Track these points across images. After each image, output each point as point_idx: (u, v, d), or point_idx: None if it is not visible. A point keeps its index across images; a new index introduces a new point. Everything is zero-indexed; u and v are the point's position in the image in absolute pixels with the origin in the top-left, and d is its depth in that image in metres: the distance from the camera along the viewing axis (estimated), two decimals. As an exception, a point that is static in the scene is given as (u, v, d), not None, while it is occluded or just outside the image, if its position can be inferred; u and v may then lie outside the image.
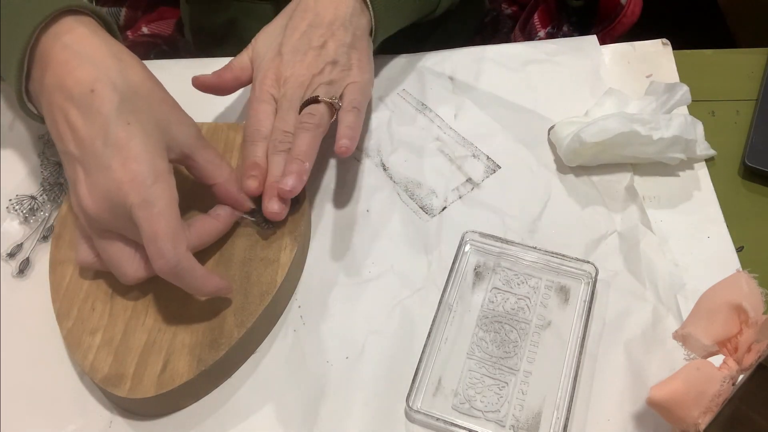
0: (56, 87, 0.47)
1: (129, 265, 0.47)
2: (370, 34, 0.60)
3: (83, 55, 0.48)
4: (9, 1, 0.49)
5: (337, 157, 0.61)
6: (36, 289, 0.54)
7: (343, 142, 0.53)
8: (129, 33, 0.80)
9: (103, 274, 0.51)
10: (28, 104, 0.51)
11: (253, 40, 0.60)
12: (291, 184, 0.51)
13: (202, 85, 0.58)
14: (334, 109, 0.55)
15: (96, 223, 0.47)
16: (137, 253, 0.48)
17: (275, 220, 0.52)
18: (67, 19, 0.49)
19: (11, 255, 0.56)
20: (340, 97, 0.56)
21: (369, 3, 0.58)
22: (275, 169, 0.53)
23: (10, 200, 0.58)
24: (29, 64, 0.49)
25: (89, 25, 0.50)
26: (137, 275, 0.47)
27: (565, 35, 0.76)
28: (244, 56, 0.59)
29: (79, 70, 0.47)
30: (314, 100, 0.55)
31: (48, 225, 0.57)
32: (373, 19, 0.59)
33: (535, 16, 0.76)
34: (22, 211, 0.58)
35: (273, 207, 0.51)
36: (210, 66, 0.62)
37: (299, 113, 0.55)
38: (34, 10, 0.48)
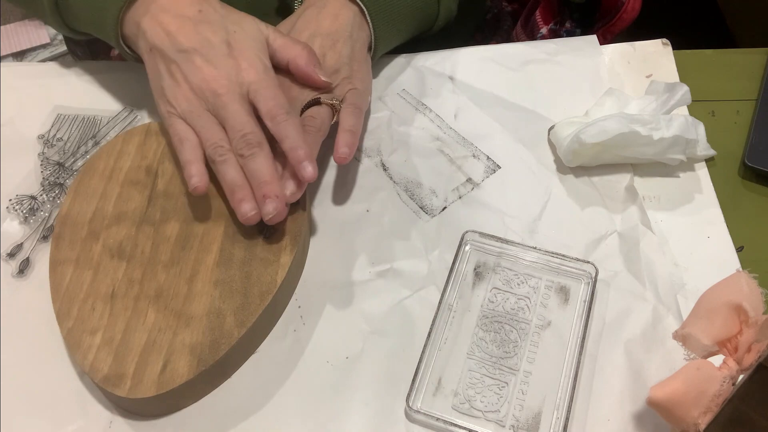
0: (163, 9, 0.54)
1: (244, 121, 0.52)
2: (369, 49, 0.61)
3: None
4: None
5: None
6: (36, 289, 0.54)
7: (343, 150, 0.54)
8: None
9: (103, 273, 0.51)
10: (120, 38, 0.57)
11: None
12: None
13: None
14: (335, 110, 0.56)
15: (208, 100, 0.52)
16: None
17: (275, 222, 0.52)
18: None
19: (11, 255, 0.56)
20: (341, 101, 0.57)
21: (368, 18, 0.60)
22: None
23: (10, 200, 0.58)
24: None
25: None
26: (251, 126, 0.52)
27: (567, 31, 0.76)
28: None
29: (185, 1, 0.55)
30: (316, 102, 0.56)
31: (48, 225, 0.57)
32: (372, 35, 0.60)
33: (537, 13, 0.76)
34: (22, 211, 0.58)
35: (269, 209, 0.50)
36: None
37: (300, 116, 0.55)
38: None
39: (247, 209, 0.50)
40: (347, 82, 0.57)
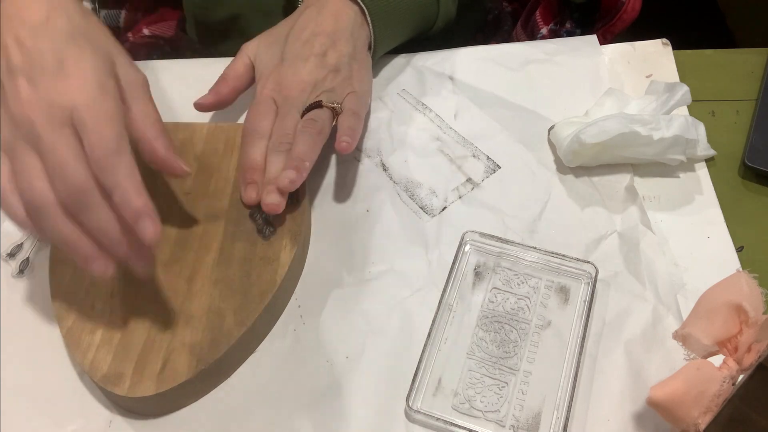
0: (6, 15, 0.45)
1: (40, 178, 0.43)
2: (369, 49, 0.61)
3: None
4: None
5: (337, 155, 0.61)
6: (36, 289, 0.54)
7: (344, 138, 0.54)
8: (130, 35, 0.80)
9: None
10: None
11: (245, 46, 0.61)
12: (291, 176, 0.51)
13: (203, 107, 0.59)
14: (335, 113, 0.56)
15: (24, 131, 0.43)
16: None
17: (273, 213, 0.52)
18: None
19: (11, 255, 0.56)
20: (341, 105, 0.57)
21: (368, 18, 0.59)
22: (273, 168, 0.53)
23: (10, 200, 0.58)
24: None
25: None
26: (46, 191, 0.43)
27: (567, 31, 0.76)
28: (239, 64, 0.60)
29: (36, 4, 0.45)
30: (317, 105, 0.56)
31: (48, 225, 0.57)
32: (372, 35, 0.60)
33: (537, 13, 0.76)
34: (22, 211, 0.58)
35: (272, 199, 0.51)
36: (210, 66, 0.63)
37: (301, 118, 0.55)
38: None
39: (98, 268, 0.43)
40: (347, 84, 0.57)
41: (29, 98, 0.43)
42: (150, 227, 0.42)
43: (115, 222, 0.42)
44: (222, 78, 0.60)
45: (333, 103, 0.56)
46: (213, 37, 0.74)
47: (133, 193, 0.42)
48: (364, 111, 0.59)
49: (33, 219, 0.43)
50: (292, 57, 0.57)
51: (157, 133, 0.47)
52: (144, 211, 0.42)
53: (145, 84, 0.48)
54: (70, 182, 0.41)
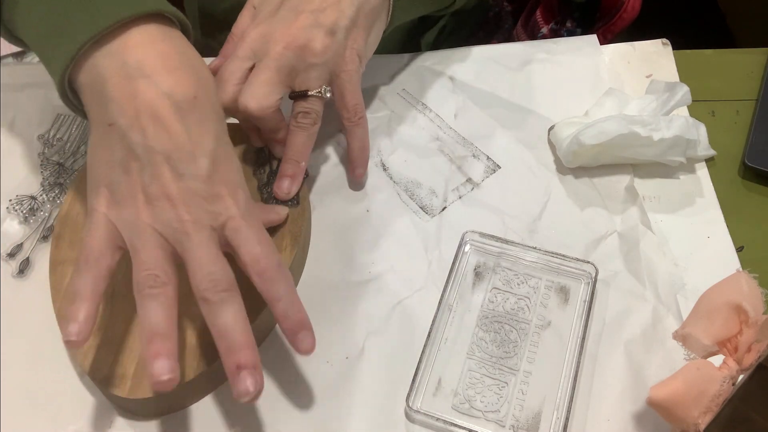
0: (142, 73, 0.43)
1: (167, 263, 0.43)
2: (387, 16, 0.56)
3: (184, 55, 0.45)
4: None
5: (337, 156, 0.61)
6: (36, 289, 0.54)
7: (359, 170, 0.56)
8: None
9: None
10: (67, 89, 0.46)
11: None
12: (286, 187, 0.52)
13: (212, 70, 0.55)
14: (323, 99, 0.53)
15: (155, 222, 0.43)
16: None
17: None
18: (152, 25, 0.45)
19: (11, 255, 0.56)
20: (330, 86, 0.53)
21: None
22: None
23: (10, 200, 0.58)
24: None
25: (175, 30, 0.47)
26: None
27: (568, 31, 0.76)
28: (245, 17, 0.56)
29: (182, 72, 0.44)
30: (303, 96, 0.52)
31: (48, 225, 0.57)
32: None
33: (538, 12, 0.76)
34: (22, 211, 0.58)
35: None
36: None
37: (293, 111, 0.53)
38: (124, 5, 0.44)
39: (162, 368, 0.40)
40: (340, 59, 0.52)
41: (179, 194, 0.42)
42: (308, 340, 0.43)
43: (247, 326, 0.42)
44: (229, 38, 0.56)
45: (320, 91, 0.52)
46: (217, 29, 0.73)
47: (296, 306, 0.44)
48: (360, 94, 0.55)
49: (139, 296, 0.42)
50: (287, 8, 0.52)
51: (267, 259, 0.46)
52: (305, 323, 0.43)
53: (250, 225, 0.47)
54: (218, 279, 0.42)
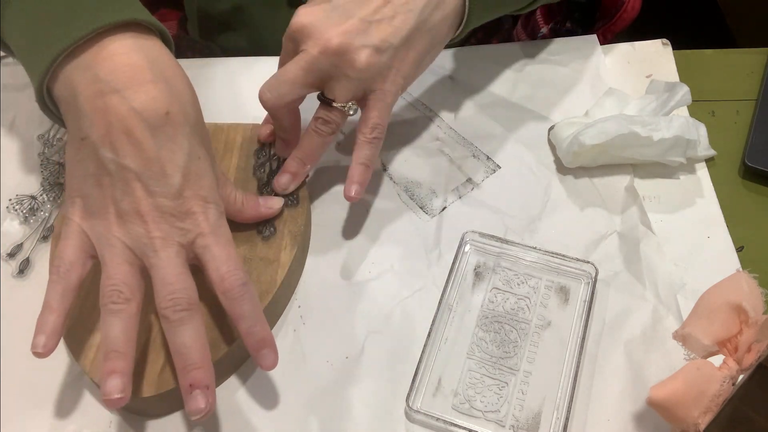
0: (114, 88, 0.42)
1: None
2: (460, 24, 0.53)
3: (158, 67, 0.44)
4: None
5: (338, 156, 0.61)
6: (36, 289, 0.54)
7: (355, 188, 0.51)
8: None
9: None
10: (47, 99, 0.46)
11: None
12: (285, 182, 0.52)
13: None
14: (347, 115, 0.51)
15: (125, 236, 0.43)
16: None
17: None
18: (128, 34, 0.44)
19: (11, 255, 0.56)
20: (358, 103, 0.51)
21: None
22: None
23: (10, 200, 0.58)
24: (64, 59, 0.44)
25: (154, 39, 0.46)
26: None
27: (568, 31, 0.76)
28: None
29: (153, 86, 0.43)
30: (328, 103, 0.50)
31: (48, 225, 0.57)
32: (468, 5, 0.51)
33: (538, 12, 0.76)
34: (22, 211, 0.58)
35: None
36: (211, 65, 0.63)
37: (315, 113, 0.51)
38: (99, 13, 0.43)
39: (113, 387, 0.40)
40: (379, 77, 0.49)
41: (150, 211, 0.42)
42: (271, 356, 0.44)
43: (204, 344, 0.43)
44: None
45: (345, 105, 0.50)
46: (216, 30, 0.73)
47: (259, 323, 0.44)
48: (386, 122, 0.51)
49: (103, 309, 0.43)
50: (339, 3, 0.48)
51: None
52: (267, 340, 0.44)
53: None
54: (179, 297, 0.42)
